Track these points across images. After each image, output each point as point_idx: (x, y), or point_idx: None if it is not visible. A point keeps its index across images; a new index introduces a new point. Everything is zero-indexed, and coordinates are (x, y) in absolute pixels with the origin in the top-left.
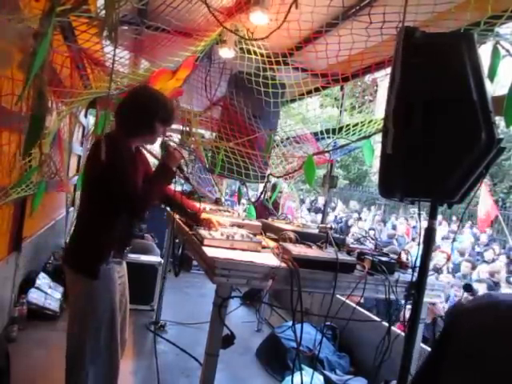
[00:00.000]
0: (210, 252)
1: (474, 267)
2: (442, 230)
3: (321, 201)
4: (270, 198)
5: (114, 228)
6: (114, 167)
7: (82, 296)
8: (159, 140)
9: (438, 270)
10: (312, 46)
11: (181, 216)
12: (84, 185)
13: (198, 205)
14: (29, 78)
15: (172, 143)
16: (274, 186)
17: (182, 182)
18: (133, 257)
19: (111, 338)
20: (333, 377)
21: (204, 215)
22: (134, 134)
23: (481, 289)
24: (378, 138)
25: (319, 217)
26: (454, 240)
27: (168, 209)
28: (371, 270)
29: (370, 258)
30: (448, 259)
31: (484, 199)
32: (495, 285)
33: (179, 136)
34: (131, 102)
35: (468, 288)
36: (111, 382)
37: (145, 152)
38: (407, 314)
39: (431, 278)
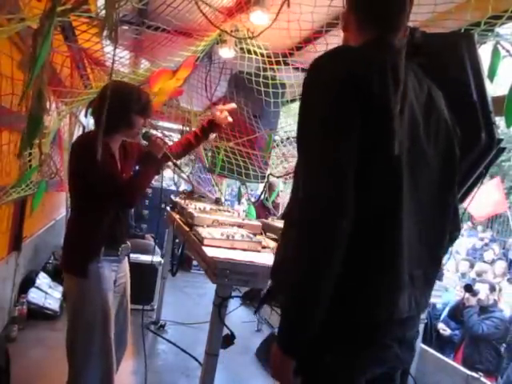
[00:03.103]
0: (210, 252)
1: (472, 266)
2: None
3: None
4: (270, 197)
5: (100, 225)
6: (88, 163)
7: (73, 296)
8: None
9: None
10: (312, 45)
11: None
12: (68, 185)
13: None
14: (31, 78)
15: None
16: (271, 186)
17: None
18: (133, 257)
19: (104, 341)
20: None
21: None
22: (114, 130)
23: (482, 289)
24: None
25: None
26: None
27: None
28: None
29: None
30: None
31: (490, 191)
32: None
33: (179, 136)
34: (104, 100)
35: (468, 288)
36: None
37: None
38: None
39: None
